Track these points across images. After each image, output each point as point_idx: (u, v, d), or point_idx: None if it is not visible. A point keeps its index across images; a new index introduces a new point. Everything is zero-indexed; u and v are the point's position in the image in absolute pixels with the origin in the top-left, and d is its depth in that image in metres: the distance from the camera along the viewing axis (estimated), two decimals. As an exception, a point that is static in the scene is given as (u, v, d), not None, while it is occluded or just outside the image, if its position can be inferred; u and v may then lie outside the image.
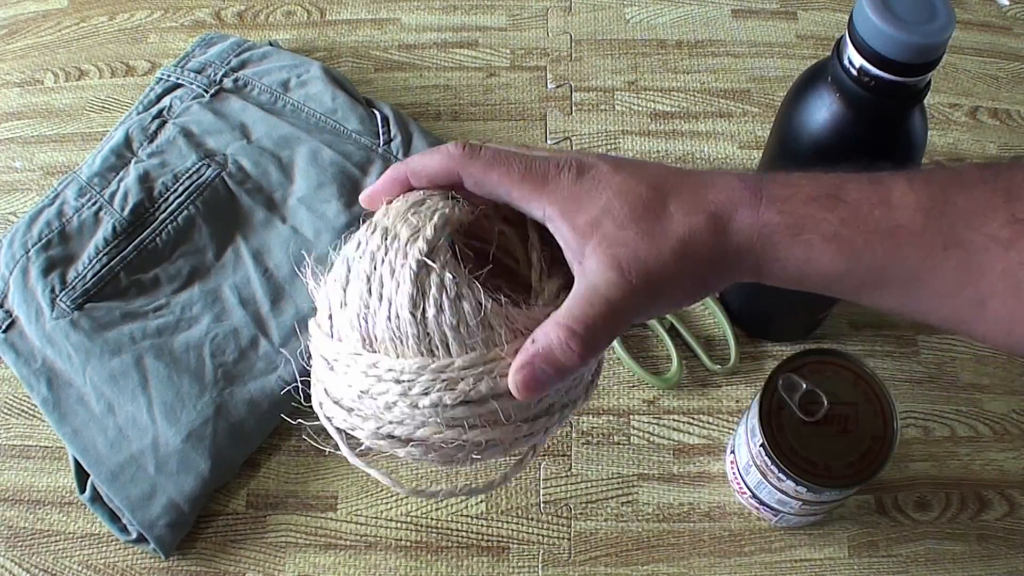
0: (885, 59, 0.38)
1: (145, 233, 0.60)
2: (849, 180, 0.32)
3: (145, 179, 0.62)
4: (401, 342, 0.31)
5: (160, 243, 0.60)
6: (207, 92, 0.66)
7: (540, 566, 0.53)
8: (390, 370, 0.32)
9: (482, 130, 0.70)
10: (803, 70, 0.46)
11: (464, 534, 0.54)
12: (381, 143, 0.64)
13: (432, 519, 0.54)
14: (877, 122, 0.42)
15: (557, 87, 0.72)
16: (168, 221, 0.61)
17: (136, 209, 0.61)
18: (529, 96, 0.72)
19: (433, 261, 0.31)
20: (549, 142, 0.69)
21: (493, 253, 0.36)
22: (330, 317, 0.34)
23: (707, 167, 0.67)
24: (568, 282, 0.33)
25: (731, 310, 0.60)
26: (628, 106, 0.71)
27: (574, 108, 0.71)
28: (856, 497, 0.54)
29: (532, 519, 0.54)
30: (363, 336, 0.32)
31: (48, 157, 0.70)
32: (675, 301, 0.34)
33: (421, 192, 0.34)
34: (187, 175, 0.62)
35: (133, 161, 0.63)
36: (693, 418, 0.57)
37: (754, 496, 0.52)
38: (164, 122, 0.65)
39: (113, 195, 0.61)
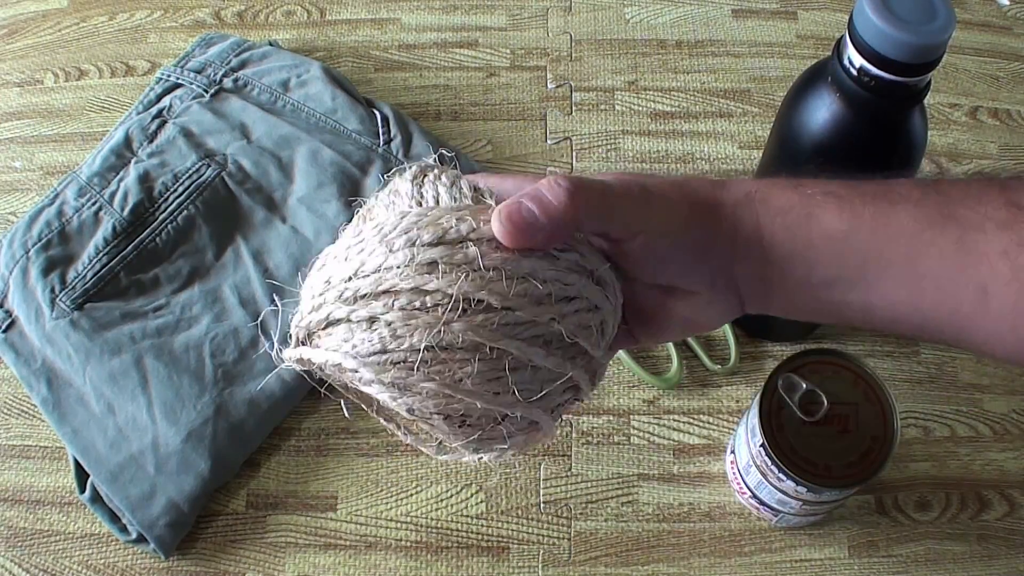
0: (885, 59, 0.38)
1: (145, 233, 0.60)
2: (838, 182, 0.33)
3: (145, 179, 0.62)
4: (394, 206, 0.31)
5: (160, 243, 0.60)
6: (207, 92, 0.66)
7: (540, 566, 0.53)
8: (375, 227, 0.30)
9: (482, 130, 0.70)
10: (803, 70, 0.46)
11: (464, 534, 0.54)
12: (381, 143, 0.64)
13: (432, 519, 0.54)
14: (877, 122, 0.42)
15: (557, 87, 0.72)
16: (168, 221, 0.61)
17: (136, 209, 0.61)
18: (529, 96, 0.72)
19: (428, 171, 0.31)
20: (549, 142, 0.69)
21: None
22: (324, 264, 0.31)
23: (707, 167, 0.67)
24: None
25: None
26: (628, 106, 0.71)
27: (574, 108, 0.71)
28: (856, 497, 0.54)
29: (532, 519, 0.54)
30: (358, 226, 0.31)
31: (48, 157, 0.70)
32: (671, 227, 0.32)
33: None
34: (187, 175, 0.62)
35: (133, 161, 0.63)
36: (693, 418, 0.57)
37: (754, 496, 0.52)
38: (164, 122, 0.65)
39: (113, 195, 0.61)
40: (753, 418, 0.48)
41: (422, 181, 0.31)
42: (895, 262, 0.32)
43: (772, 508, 0.51)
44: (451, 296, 0.27)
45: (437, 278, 0.28)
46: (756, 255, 0.33)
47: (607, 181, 0.32)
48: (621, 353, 0.59)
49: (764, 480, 0.49)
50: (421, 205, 0.30)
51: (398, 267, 0.28)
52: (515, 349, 0.29)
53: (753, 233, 0.32)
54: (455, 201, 0.30)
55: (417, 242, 0.28)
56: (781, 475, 0.47)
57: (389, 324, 0.28)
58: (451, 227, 0.29)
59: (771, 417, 0.48)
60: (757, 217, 0.32)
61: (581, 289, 0.31)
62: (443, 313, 0.27)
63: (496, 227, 0.29)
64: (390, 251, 0.28)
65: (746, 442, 0.50)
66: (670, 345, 0.59)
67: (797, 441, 0.47)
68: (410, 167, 0.32)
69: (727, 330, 0.59)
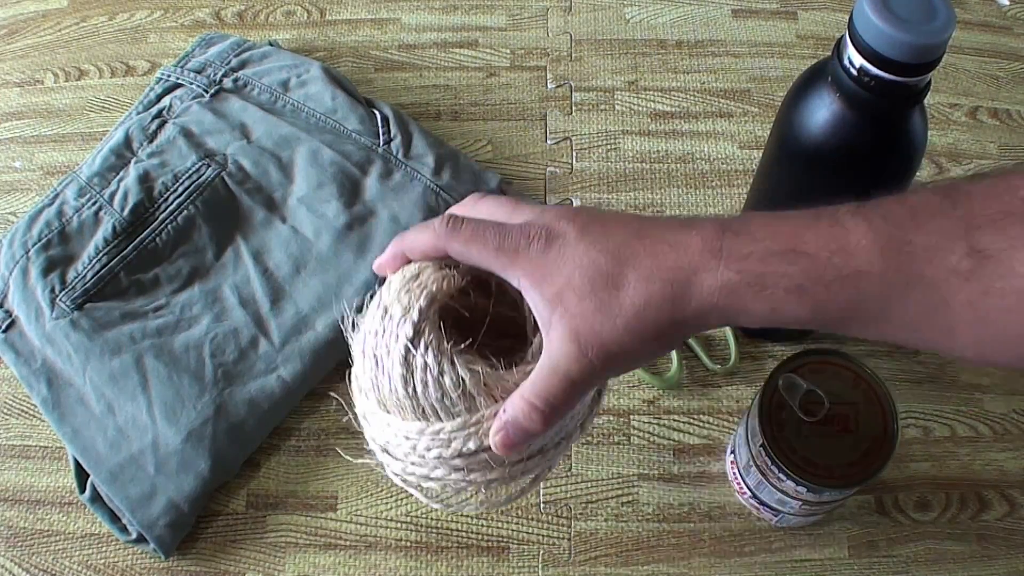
0: (885, 59, 0.38)
1: (145, 233, 0.60)
2: (808, 228, 0.33)
3: (145, 179, 0.62)
4: (402, 409, 0.38)
5: (160, 243, 0.60)
6: (207, 92, 0.67)
7: (540, 566, 0.53)
8: (400, 430, 0.39)
9: (482, 130, 0.70)
10: (803, 70, 0.46)
11: (464, 534, 0.54)
12: (381, 143, 0.64)
13: (432, 519, 0.54)
14: (877, 122, 0.42)
15: (557, 87, 0.72)
16: (168, 221, 0.61)
17: (136, 209, 0.61)
18: (529, 96, 0.72)
19: (417, 344, 0.37)
20: (549, 142, 0.69)
21: (493, 305, 0.41)
22: (357, 376, 0.40)
23: (707, 167, 0.67)
24: None
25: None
26: (628, 106, 0.71)
27: (574, 108, 0.71)
28: (856, 497, 0.54)
29: (532, 519, 0.54)
30: (377, 399, 0.39)
31: (48, 157, 0.70)
32: (637, 363, 0.37)
33: (416, 265, 0.39)
34: (187, 175, 0.62)
35: (133, 161, 0.63)
36: (693, 418, 0.57)
37: (754, 496, 0.52)
38: (164, 122, 0.65)
39: (113, 195, 0.61)
40: (753, 418, 0.48)
41: (413, 360, 0.38)
42: (862, 321, 0.33)
43: (772, 508, 0.51)
44: (479, 482, 0.39)
45: (467, 473, 0.39)
46: (716, 326, 0.36)
47: (571, 376, 0.35)
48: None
49: (764, 480, 0.49)
50: (413, 389, 0.38)
51: (434, 469, 0.39)
52: (524, 485, 0.41)
53: (718, 322, 0.35)
54: (445, 399, 0.37)
55: (441, 456, 0.38)
56: (781, 475, 0.47)
57: (444, 487, 0.40)
58: (464, 446, 0.37)
59: (771, 417, 0.48)
60: (726, 320, 0.34)
61: (566, 432, 0.40)
62: (478, 485, 0.39)
63: (495, 449, 0.36)
64: (423, 458, 0.39)
65: (746, 442, 0.50)
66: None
67: (797, 441, 0.47)
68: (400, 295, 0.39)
69: (727, 330, 0.59)
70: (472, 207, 0.40)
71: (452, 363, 0.38)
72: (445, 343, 0.38)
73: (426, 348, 0.38)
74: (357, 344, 0.40)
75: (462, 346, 0.38)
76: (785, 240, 0.33)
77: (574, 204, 0.66)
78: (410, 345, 0.37)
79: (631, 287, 0.34)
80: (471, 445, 0.38)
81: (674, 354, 0.58)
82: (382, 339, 0.38)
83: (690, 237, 0.34)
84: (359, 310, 0.41)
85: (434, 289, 0.38)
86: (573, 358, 0.34)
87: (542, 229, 0.35)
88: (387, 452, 0.41)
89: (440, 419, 0.38)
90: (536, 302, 0.35)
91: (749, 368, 0.59)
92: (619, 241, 0.34)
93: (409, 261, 0.40)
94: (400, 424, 0.39)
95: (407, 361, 0.38)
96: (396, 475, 0.41)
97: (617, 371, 0.36)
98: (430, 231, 0.37)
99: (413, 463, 0.39)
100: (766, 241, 0.33)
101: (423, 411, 0.38)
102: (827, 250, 0.32)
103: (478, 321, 0.41)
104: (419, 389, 0.38)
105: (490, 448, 0.37)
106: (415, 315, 0.38)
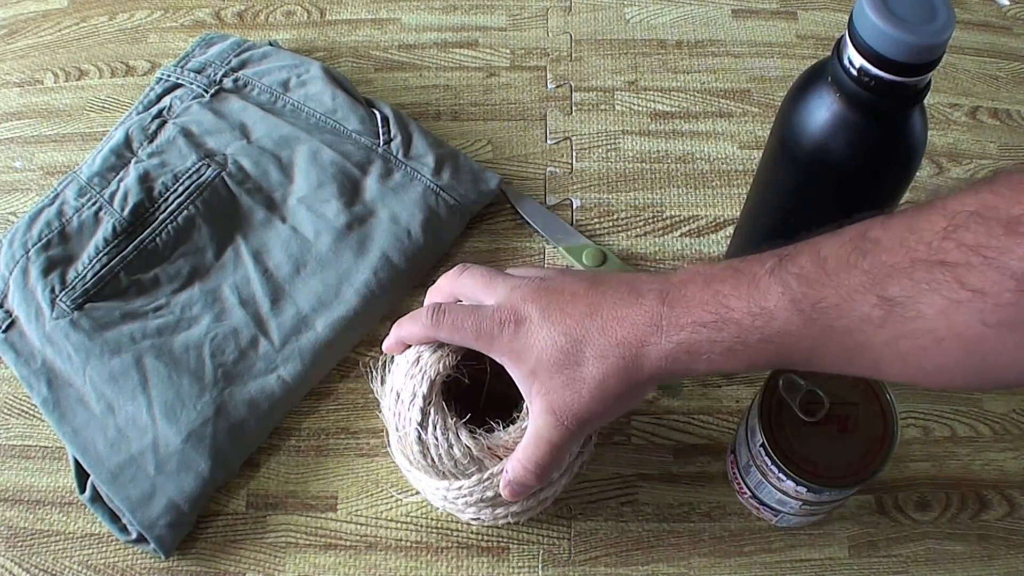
0: (885, 59, 0.38)
1: (145, 233, 0.60)
2: (732, 293, 0.37)
3: (145, 179, 0.62)
4: (427, 471, 0.47)
5: (160, 243, 0.60)
6: (207, 92, 0.67)
7: (540, 566, 0.53)
8: (429, 484, 0.48)
9: (482, 130, 0.70)
10: (803, 70, 0.46)
11: (464, 534, 0.54)
12: (381, 143, 0.64)
13: (432, 519, 0.54)
14: (877, 122, 0.42)
15: (557, 87, 0.72)
16: (168, 221, 0.61)
17: (136, 209, 0.61)
18: (529, 96, 0.72)
19: (425, 425, 0.45)
20: (549, 142, 0.69)
21: (489, 363, 0.47)
22: (391, 440, 0.49)
23: (707, 167, 0.67)
24: None
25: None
26: (628, 106, 0.71)
27: (574, 108, 0.71)
28: (856, 497, 0.54)
29: (532, 519, 0.54)
30: (408, 460, 0.48)
31: (48, 157, 0.70)
32: (609, 419, 0.43)
33: (415, 349, 0.47)
34: (187, 175, 0.62)
35: (133, 161, 0.63)
36: (693, 418, 0.57)
37: (754, 496, 0.52)
38: (164, 122, 0.65)
39: (113, 195, 0.61)
40: (753, 418, 0.48)
41: (425, 438, 0.46)
42: (796, 365, 0.37)
43: (772, 508, 0.51)
44: (503, 514, 0.49)
45: (493, 508, 0.48)
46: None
47: (552, 441, 0.42)
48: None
49: (764, 480, 0.49)
50: (431, 460, 0.46)
51: (464, 508, 0.48)
52: (544, 502, 0.49)
53: (681, 376, 0.42)
54: (458, 465, 0.46)
55: (466, 502, 0.47)
56: (781, 475, 0.47)
57: (477, 516, 0.49)
58: (483, 496, 0.46)
59: (771, 417, 0.48)
60: (675, 376, 0.41)
61: (572, 458, 0.48)
62: (502, 515, 0.49)
63: (505, 498, 0.45)
64: (454, 503, 0.48)
65: (746, 442, 0.50)
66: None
67: (797, 441, 0.47)
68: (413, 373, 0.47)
69: None
70: (455, 280, 0.46)
71: (458, 436, 0.45)
72: (450, 420, 0.46)
73: (434, 427, 0.45)
74: (385, 415, 0.48)
75: (467, 417, 0.46)
76: (714, 309, 0.37)
77: (575, 204, 0.66)
78: (419, 428, 0.45)
79: (590, 364, 0.39)
80: (488, 494, 0.46)
81: None
82: (400, 419, 0.46)
83: (636, 311, 0.39)
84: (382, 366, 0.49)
85: (432, 374, 0.46)
86: (552, 426, 0.41)
87: (510, 314, 0.41)
88: (424, 493, 0.50)
89: (457, 478, 0.46)
90: (517, 377, 0.42)
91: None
92: (574, 322, 0.40)
93: (407, 347, 0.47)
94: (428, 480, 0.47)
95: (421, 439, 0.45)
96: (437, 505, 0.50)
97: (593, 428, 0.44)
98: (419, 323, 0.44)
99: (448, 504, 0.48)
100: (697, 310, 0.38)
101: (443, 474, 0.46)
102: (750, 315, 0.36)
103: (478, 382, 0.49)
104: (435, 460, 0.46)
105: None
106: (420, 401, 0.45)
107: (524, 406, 0.47)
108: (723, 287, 0.37)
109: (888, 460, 0.46)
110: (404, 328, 0.46)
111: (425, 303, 0.47)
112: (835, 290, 0.34)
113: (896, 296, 0.32)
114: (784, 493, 0.48)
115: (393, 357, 0.49)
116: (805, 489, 0.47)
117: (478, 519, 0.49)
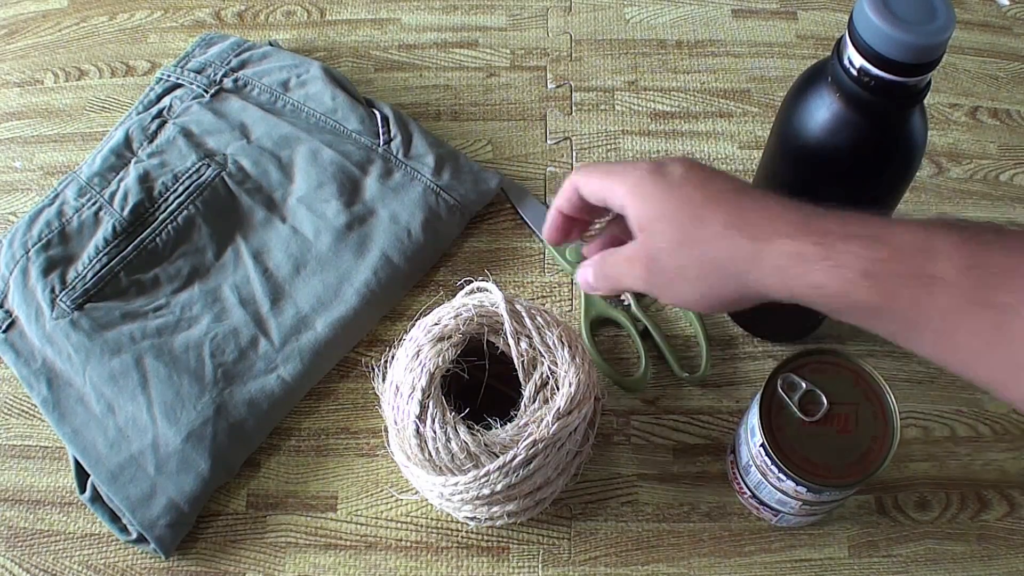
0: (885, 59, 0.38)
1: (145, 233, 0.60)
2: (899, 224, 0.33)
3: (145, 179, 0.62)
4: (424, 466, 0.46)
5: (160, 243, 0.60)
6: (207, 92, 0.67)
7: (540, 566, 0.53)
8: (426, 480, 0.47)
9: (482, 130, 0.70)
10: (803, 70, 0.46)
11: (464, 534, 0.54)
12: (381, 143, 0.64)
13: (432, 519, 0.54)
14: (877, 122, 0.42)
15: (557, 87, 0.72)
16: (168, 221, 0.61)
17: (136, 209, 0.61)
18: (529, 96, 0.72)
19: (424, 418, 0.46)
20: (549, 142, 0.69)
21: (488, 361, 0.49)
22: (389, 435, 0.49)
23: (707, 167, 0.67)
24: (543, 381, 0.47)
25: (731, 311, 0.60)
26: (628, 106, 0.71)
27: (574, 108, 0.71)
28: (856, 497, 0.54)
29: (532, 519, 0.54)
30: (406, 455, 0.48)
31: (48, 157, 0.70)
32: (684, 295, 0.39)
33: (415, 344, 0.48)
34: (187, 175, 0.62)
35: (133, 161, 0.63)
36: (693, 418, 0.57)
37: (754, 496, 0.52)
38: (164, 122, 0.65)
39: (113, 195, 0.61)
40: (753, 418, 0.48)
41: (423, 432, 0.46)
42: (928, 336, 0.33)
43: (772, 508, 0.51)
44: (498, 513, 0.48)
45: (488, 507, 0.48)
46: (778, 298, 0.36)
47: (633, 270, 0.39)
48: (596, 357, 0.59)
49: (764, 480, 0.49)
50: (428, 455, 0.46)
51: (461, 504, 0.48)
52: (527, 503, 0.48)
53: (782, 294, 0.35)
54: (455, 460, 0.46)
55: (461, 499, 0.47)
56: (781, 475, 0.47)
57: (473, 514, 0.49)
58: (479, 493, 0.46)
59: (771, 417, 0.48)
60: (791, 289, 0.35)
61: (570, 457, 0.49)
62: (499, 515, 0.49)
63: (579, 284, 0.44)
64: (451, 500, 0.47)
65: (746, 442, 0.50)
66: (641, 349, 0.59)
67: (797, 441, 0.47)
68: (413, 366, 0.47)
69: (700, 338, 0.59)
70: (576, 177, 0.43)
71: (456, 431, 0.45)
72: (448, 414, 0.46)
73: (432, 420, 0.46)
74: (384, 410, 0.48)
75: (466, 411, 0.46)
76: (873, 228, 0.33)
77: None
78: (418, 421, 0.46)
79: (709, 226, 0.36)
80: (484, 491, 0.45)
81: (643, 356, 0.58)
82: (398, 413, 0.47)
83: (779, 205, 0.36)
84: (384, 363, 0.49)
85: (431, 367, 0.46)
86: (632, 261, 0.39)
87: (652, 160, 0.39)
88: (422, 491, 0.49)
89: (454, 474, 0.46)
90: (630, 217, 0.39)
91: (749, 368, 0.59)
92: (716, 189, 0.37)
93: (567, 220, 0.44)
94: (426, 476, 0.47)
95: (419, 432, 0.46)
96: (435, 503, 0.50)
97: (662, 293, 0.39)
98: (567, 180, 0.42)
99: (444, 501, 0.48)
100: (853, 225, 0.34)
101: (440, 469, 0.46)
102: (911, 247, 0.32)
103: (477, 379, 0.50)
104: (432, 454, 0.46)
105: (501, 491, 0.45)
106: (419, 394, 0.46)
107: (522, 404, 0.47)
108: (893, 220, 0.34)
109: (887, 460, 0.46)
110: (555, 200, 0.44)
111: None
112: (1006, 261, 0.31)
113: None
114: (784, 493, 0.48)
115: (394, 355, 0.49)
116: (805, 489, 0.47)
117: (475, 518, 0.49)
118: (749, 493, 0.52)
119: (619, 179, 0.39)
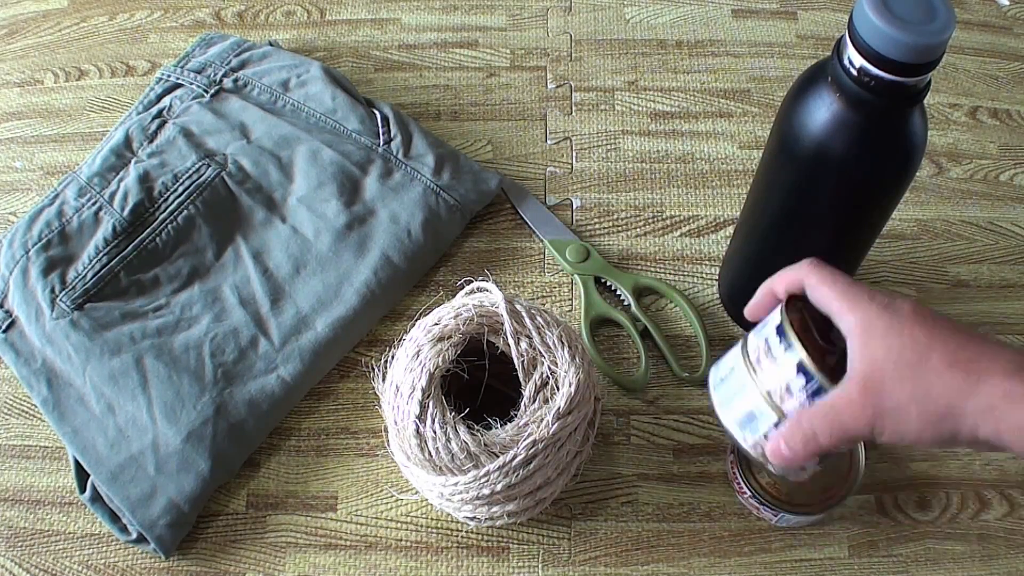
0: (885, 59, 0.38)
1: (145, 233, 0.60)
2: None
3: (145, 179, 0.62)
4: (424, 465, 0.47)
5: (160, 243, 0.60)
6: (207, 92, 0.67)
7: (540, 566, 0.53)
8: (426, 480, 0.47)
9: (482, 130, 0.70)
10: (803, 70, 0.46)
11: (464, 534, 0.54)
12: (381, 143, 0.64)
13: (432, 519, 0.54)
14: (877, 122, 0.42)
15: (557, 87, 0.72)
16: (168, 221, 0.61)
17: (136, 209, 0.61)
18: (529, 96, 0.72)
19: (424, 418, 0.46)
20: (549, 142, 0.69)
21: (488, 362, 0.50)
22: (389, 435, 0.49)
23: (707, 167, 0.67)
24: (543, 381, 0.47)
25: (729, 310, 0.60)
26: (628, 106, 0.71)
27: (574, 108, 0.71)
28: (856, 497, 0.54)
29: (532, 519, 0.54)
30: (406, 455, 0.48)
31: (48, 157, 0.70)
32: (902, 435, 0.38)
33: (415, 344, 0.48)
34: (187, 175, 0.62)
35: (133, 161, 0.63)
36: (693, 418, 0.57)
37: (754, 496, 0.52)
38: (164, 122, 0.65)
39: (113, 195, 0.61)
40: (776, 315, 0.45)
41: (423, 431, 0.46)
42: None
43: (772, 508, 0.51)
44: (498, 513, 0.48)
45: (488, 507, 0.48)
46: (988, 447, 0.37)
47: (843, 421, 0.38)
48: (596, 357, 0.59)
49: (755, 364, 0.45)
50: (428, 454, 0.46)
51: (461, 504, 0.48)
52: (527, 503, 0.48)
53: (990, 437, 0.36)
54: (455, 460, 0.46)
55: (461, 499, 0.47)
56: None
57: (473, 514, 0.49)
58: (479, 493, 0.46)
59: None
60: (999, 432, 0.36)
61: (570, 457, 0.48)
62: (499, 515, 0.49)
63: (770, 456, 0.42)
64: (451, 500, 0.47)
65: (747, 342, 0.46)
66: (641, 348, 0.59)
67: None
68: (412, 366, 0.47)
69: (700, 338, 0.59)
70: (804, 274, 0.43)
71: (456, 430, 0.45)
72: (448, 414, 0.46)
73: (432, 420, 0.46)
74: (384, 410, 0.48)
75: (466, 411, 0.46)
76: None
77: (575, 204, 0.66)
78: (418, 421, 0.46)
79: (932, 364, 0.37)
80: (484, 491, 0.45)
81: (643, 356, 0.58)
82: (398, 413, 0.47)
83: (999, 345, 0.37)
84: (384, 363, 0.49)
85: (431, 367, 0.46)
86: (852, 403, 0.38)
87: (886, 295, 0.39)
88: (422, 491, 0.49)
89: (454, 474, 0.46)
90: (854, 349, 0.39)
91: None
92: (940, 328, 0.38)
93: (776, 301, 0.44)
94: (426, 476, 0.47)
95: (419, 432, 0.46)
96: (435, 503, 0.50)
97: (882, 433, 0.38)
98: (798, 268, 0.42)
99: (444, 501, 0.48)
100: None
101: (440, 469, 0.46)
102: None
103: (477, 380, 0.50)
104: (432, 454, 0.46)
105: (501, 491, 0.46)
106: (418, 394, 0.46)
107: (522, 404, 0.47)
108: None
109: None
110: (778, 277, 0.44)
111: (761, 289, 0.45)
112: None
113: None
114: (770, 385, 0.45)
115: (394, 355, 0.49)
116: (807, 379, 0.45)
117: (475, 518, 0.49)
118: (749, 493, 0.52)
119: (851, 306, 0.40)
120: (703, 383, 0.58)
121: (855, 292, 0.40)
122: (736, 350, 0.45)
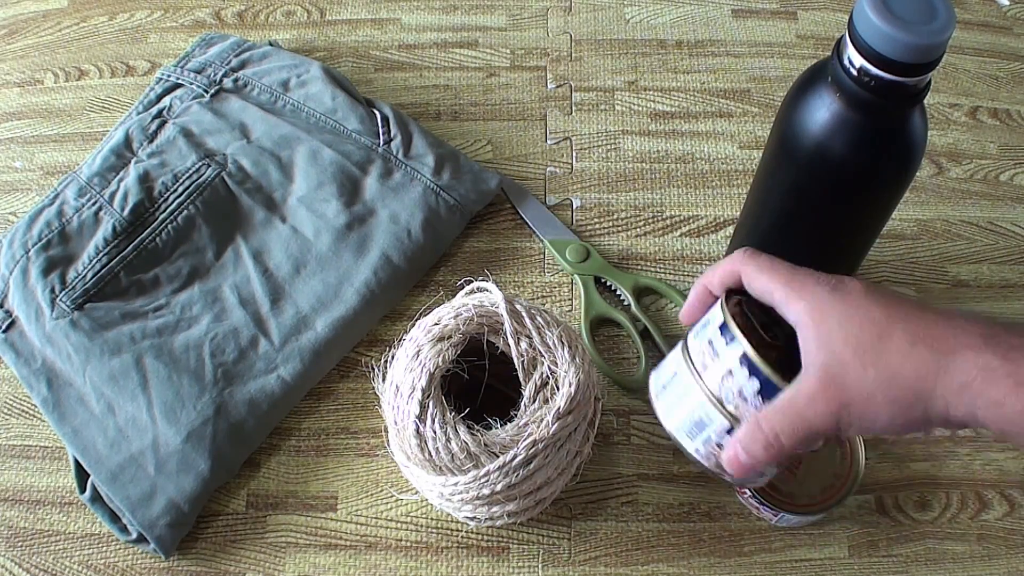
0: (885, 59, 0.39)
1: (145, 233, 0.60)
2: None
3: (145, 179, 0.62)
4: (424, 465, 0.47)
5: (160, 243, 0.60)
6: (207, 92, 0.67)
7: (540, 566, 0.53)
8: (426, 480, 0.47)
9: (482, 130, 0.70)
10: (803, 70, 0.46)
11: (464, 534, 0.54)
12: (381, 143, 0.64)
13: (432, 519, 0.54)
14: (877, 122, 0.42)
15: (557, 87, 0.72)
16: (168, 221, 0.61)
17: (136, 209, 0.61)
18: (529, 96, 0.72)
19: (424, 418, 0.46)
20: (549, 142, 0.69)
21: (488, 361, 0.50)
22: (389, 435, 0.49)
23: (707, 167, 0.67)
24: (543, 381, 0.47)
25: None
26: (628, 106, 0.71)
27: (574, 108, 0.71)
28: (856, 497, 0.54)
29: (532, 519, 0.54)
30: (406, 455, 0.48)
31: (48, 157, 0.70)
32: (871, 424, 0.36)
33: (415, 344, 0.47)
34: (187, 175, 0.62)
35: (133, 161, 0.63)
36: (693, 418, 0.57)
37: (754, 496, 0.52)
38: (164, 122, 0.65)
39: (113, 195, 0.61)
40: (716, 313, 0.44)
41: (423, 431, 0.46)
42: None
43: (772, 508, 0.51)
44: (498, 513, 0.48)
45: (488, 507, 0.47)
46: (961, 426, 0.35)
47: (805, 414, 0.36)
48: (596, 357, 0.59)
49: (695, 369, 0.42)
50: (428, 455, 0.46)
51: (461, 504, 0.48)
52: (527, 503, 0.48)
53: (965, 417, 0.34)
54: (455, 460, 0.46)
55: (461, 499, 0.47)
56: (728, 339, 0.41)
57: (473, 514, 0.49)
58: (479, 493, 0.46)
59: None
60: (974, 410, 0.33)
61: (570, 457, 0.48)
62: (499, 515, 0.49)
63: (726, 465, 0.40)
64: (451, 500, 0.47)
65: (687, 342, 0.44)
66: (641, 349, 0.59)
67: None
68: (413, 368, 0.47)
69: None
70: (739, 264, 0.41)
71: (456, 430, 0.46)
72: (448, 414, 0.46)
73: (432, 420, 0.46)
74: (384, 410, 0.48)
75: (466, 411, 0.46)
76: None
77: (575, 204, 0.66)
78: (418, 421, 0.46)
79: (894, 343, 0.34)
80: (484, 491, 0.45)
81: (643, 356, 0.58)
82: (398, 413, 0.47)
83: (964, 318, 0.35)
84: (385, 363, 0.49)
85: (431, 367, 0.46)
86: (813, 397, 0.36)
87: (831, 277, 0.37)
88: (422, 491, 0.49)
89: (454, 474, 0.46)
90: (807, 339, 0.37)
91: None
92: (896, 304, 0.36)
93: (712, 298, 0.42)
94: (426, 476, 0.47)
95: (419, 432, 0.46)
96: (435, 503, 0.50)
97: (850, 426, 0.36)
98: (731, 258, 0.40)
99: (444, 501, 0.48)
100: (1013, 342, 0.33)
101: (440, 469, 0.46)
102: None
103: (477, 379, 0.50)
104: (432, 454, 0.46)
105: (501, 491, 0.45)
106: (418, 394, 0.46)
107: (522, 404, 0.47)
108: None
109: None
110: (708, 273, 0.42)
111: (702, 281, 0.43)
112: None
113: None
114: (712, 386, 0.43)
115: (394, 355, 0.49)
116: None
117: (475, 518, 0.49)
118: (749, 493, 0.52)
119: (797, 293, 0.37)
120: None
121: (799, 277, 0.38)
122: (677, 353, 0.42)
